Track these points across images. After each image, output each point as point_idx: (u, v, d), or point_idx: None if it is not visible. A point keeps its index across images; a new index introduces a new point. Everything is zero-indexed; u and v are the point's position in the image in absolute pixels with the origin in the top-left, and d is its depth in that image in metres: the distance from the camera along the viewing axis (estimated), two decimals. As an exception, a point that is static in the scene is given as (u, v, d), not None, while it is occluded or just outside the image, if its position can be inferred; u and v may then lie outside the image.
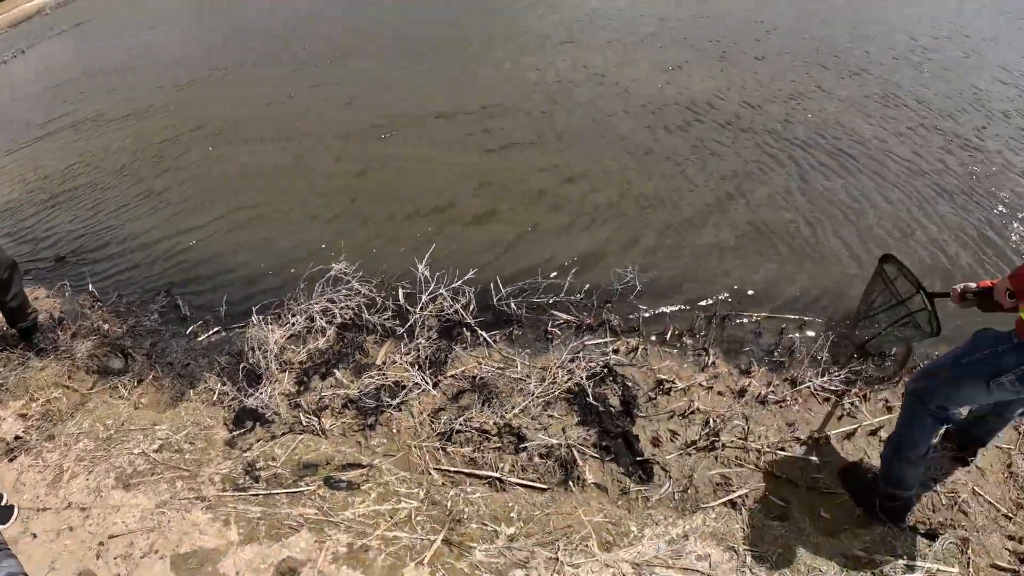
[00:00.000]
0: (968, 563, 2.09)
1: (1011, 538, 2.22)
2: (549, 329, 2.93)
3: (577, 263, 3.28)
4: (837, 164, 3.98)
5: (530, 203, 3.85)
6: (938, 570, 2.06)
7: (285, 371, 2.81)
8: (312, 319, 3.01)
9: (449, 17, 8.01)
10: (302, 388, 2.74)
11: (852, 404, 2.49)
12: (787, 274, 3.12)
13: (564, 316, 2.97)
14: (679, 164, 4.08)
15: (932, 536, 2.14)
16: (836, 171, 3.90)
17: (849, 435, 2.39)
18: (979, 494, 2.33)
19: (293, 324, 2.99)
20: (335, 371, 2.78)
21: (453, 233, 3.67)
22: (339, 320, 3.01)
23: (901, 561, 2.06)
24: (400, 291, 3.19)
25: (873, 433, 2.40)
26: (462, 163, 4.44)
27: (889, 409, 2.50)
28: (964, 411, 2.18)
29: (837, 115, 4.54)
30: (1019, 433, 2.46)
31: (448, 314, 2.97)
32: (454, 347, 2.83)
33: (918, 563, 2.06)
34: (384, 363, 2.81)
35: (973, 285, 1.86)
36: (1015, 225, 3.37)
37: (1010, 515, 2.30)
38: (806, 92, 4.88)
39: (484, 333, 2.92)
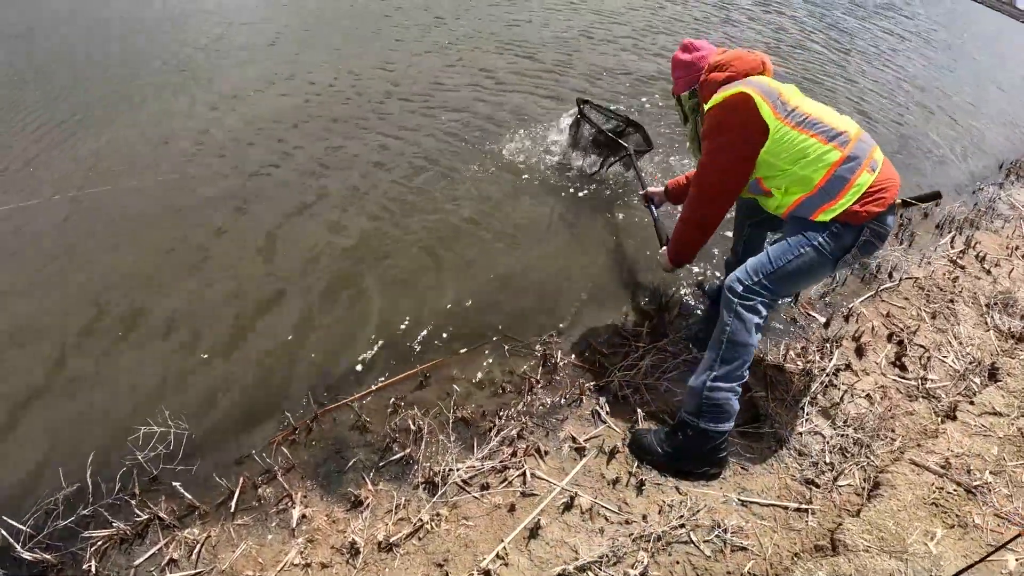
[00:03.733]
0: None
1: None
2: (85, 567, 1.60)
3: (97, 444, 1.90)
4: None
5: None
6: None
7: None
8: None
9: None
10: None
11: (526, 475, 1.69)
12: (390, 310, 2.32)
13: (101, 533, 1.67)
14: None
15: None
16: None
17: (532, 532, 1.56)
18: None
19: None
20: None
21: None
22: None
23: None
24: None
25: (569, 507, 1.62)
26: None
27: (580, 451, 1.77)
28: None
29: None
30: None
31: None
32: None
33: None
34: None
35: (660, 189, 2.42)
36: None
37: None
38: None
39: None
